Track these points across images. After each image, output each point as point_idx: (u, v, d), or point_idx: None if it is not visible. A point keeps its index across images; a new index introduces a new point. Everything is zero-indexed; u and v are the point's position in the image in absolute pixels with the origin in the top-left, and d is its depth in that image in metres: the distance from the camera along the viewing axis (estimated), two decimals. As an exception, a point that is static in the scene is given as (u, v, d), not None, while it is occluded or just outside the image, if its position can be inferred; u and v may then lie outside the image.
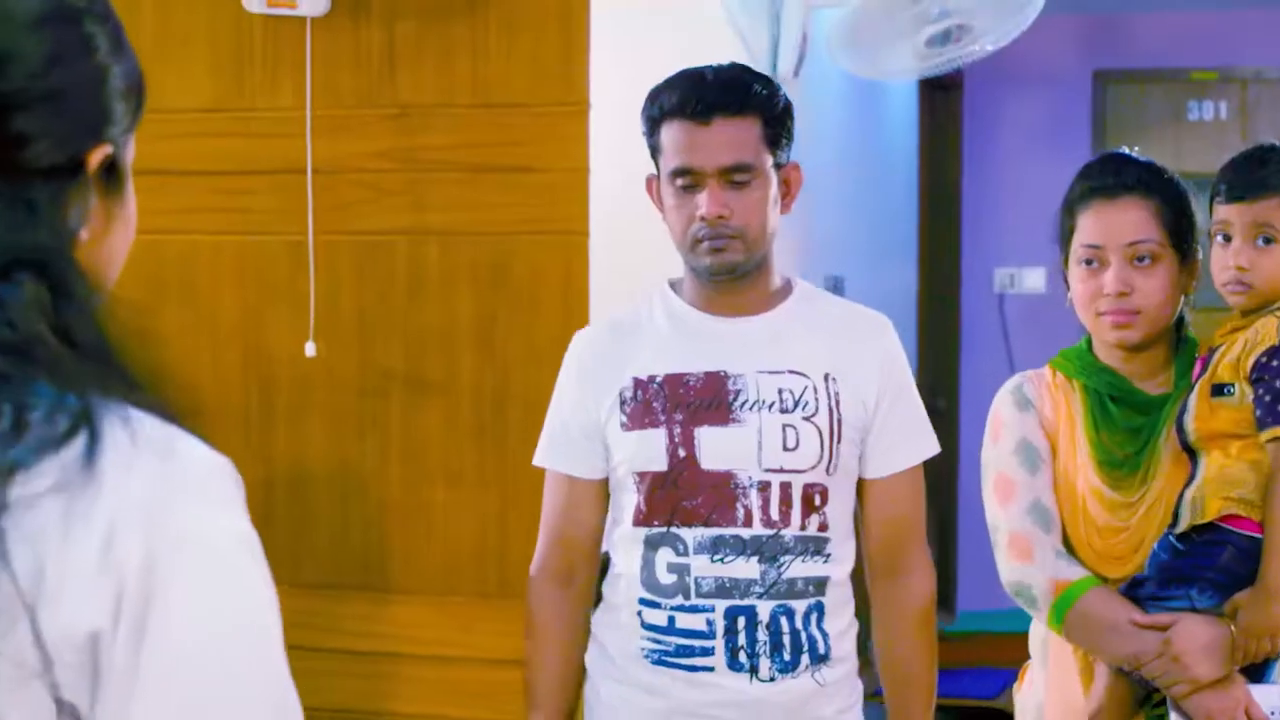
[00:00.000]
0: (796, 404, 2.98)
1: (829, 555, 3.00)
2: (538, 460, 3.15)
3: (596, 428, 3.06)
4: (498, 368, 3.86)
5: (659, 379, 3.01)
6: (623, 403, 3.03)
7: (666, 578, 2.99)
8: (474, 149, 3.85)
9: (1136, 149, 3.18)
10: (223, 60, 4.00)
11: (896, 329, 3.15)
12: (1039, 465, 3.05)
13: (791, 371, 3.00)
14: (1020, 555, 3.01)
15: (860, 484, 3.08)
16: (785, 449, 2.96)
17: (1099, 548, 3.01)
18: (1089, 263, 3.01)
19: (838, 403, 3.00)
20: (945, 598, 7.98)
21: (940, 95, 8.25)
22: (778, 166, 3.00)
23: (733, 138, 2.94)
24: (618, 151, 3.86)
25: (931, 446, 3.13)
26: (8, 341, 1.26)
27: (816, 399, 2.99)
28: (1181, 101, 8.44)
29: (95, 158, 1.37)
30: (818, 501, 2.99)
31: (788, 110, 3.02)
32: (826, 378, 3.01)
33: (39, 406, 1.25)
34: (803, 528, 2.97)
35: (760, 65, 4.42)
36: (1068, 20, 8.24)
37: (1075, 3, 7.85)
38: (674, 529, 2.98)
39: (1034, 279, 8.35)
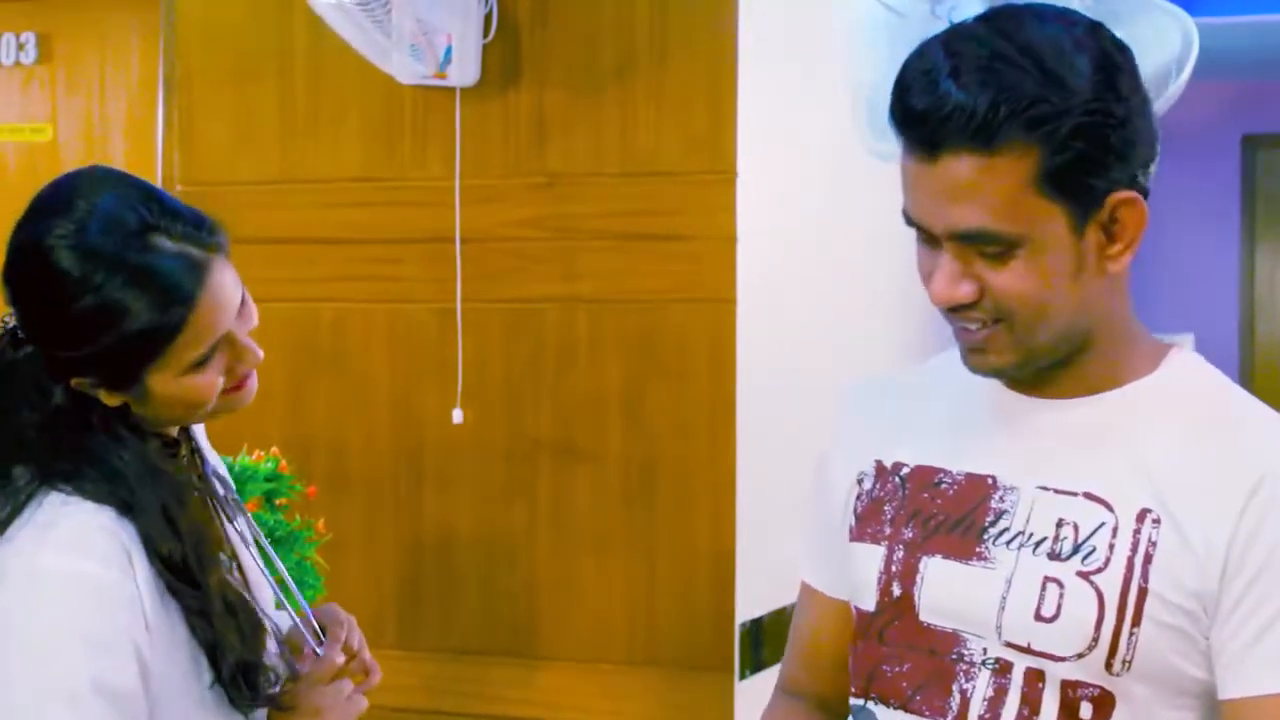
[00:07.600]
0: (1076, 549, 1.82)
1: None
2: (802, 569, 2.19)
3: (837, 525, 2.06)
4: (645, 435, 3.86)
5: (906, 469, 1.98)
6: (858, 495, 2.04)
7: None
8: (622, 217, 3.86)
9: None
10: (374, 131, 4.05)
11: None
12: None
13: (1088, 495, 1.84)
14: None
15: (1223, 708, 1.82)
16: (1039, 617, 1.82)
17: None
18: None
19: (1148, 559, 1.79)
20: None
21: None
22: (1082, 212, 1.83)
23: (963, 184, 1.77)
24: (766, 219, 3.86)
25: None
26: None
27: (1113, 547, 1.81)
28: (1334, 167, 8.36)
29: (75, 383, 2.10)
30: (1087, 713, 1.81)
31: (1099, 124, 1.78)
32: (1143, 516, 1.81)
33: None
34: None
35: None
36: (1216, 86, 8.17)
37: (1224, 69, 7.78)
38: (870, 704, 1.96)
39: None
